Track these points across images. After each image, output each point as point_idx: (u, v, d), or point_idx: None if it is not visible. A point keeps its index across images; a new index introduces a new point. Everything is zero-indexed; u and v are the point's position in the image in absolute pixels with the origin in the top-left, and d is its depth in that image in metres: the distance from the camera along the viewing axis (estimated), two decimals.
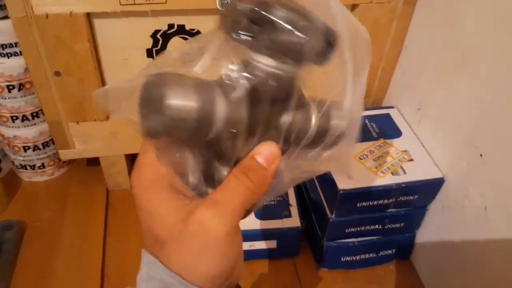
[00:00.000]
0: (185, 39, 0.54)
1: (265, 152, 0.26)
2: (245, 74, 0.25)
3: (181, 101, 0.23)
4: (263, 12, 0.24)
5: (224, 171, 0.28)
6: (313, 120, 0.28)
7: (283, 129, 0.27)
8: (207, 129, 0.25)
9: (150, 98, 0.23)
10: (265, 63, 0.25)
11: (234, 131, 0.25)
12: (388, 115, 0.62)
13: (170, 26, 0.53)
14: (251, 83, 0.25)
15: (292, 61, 0.26)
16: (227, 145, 0.26)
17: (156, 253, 0.26)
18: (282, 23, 0.24)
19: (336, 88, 0.29)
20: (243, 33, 0.25)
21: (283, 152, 0.28)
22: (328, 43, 0.26)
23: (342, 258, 0.59)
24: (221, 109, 0.24)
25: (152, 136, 0.25)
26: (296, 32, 0.25)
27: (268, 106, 0.26)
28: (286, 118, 0.27)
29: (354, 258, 0.59)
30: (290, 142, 0.28)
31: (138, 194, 0.27)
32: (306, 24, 0.25)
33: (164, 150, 0.27)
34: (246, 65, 0.25)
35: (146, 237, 0.27)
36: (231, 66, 0.26)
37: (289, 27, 0.24)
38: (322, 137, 0.29)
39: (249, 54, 0.26)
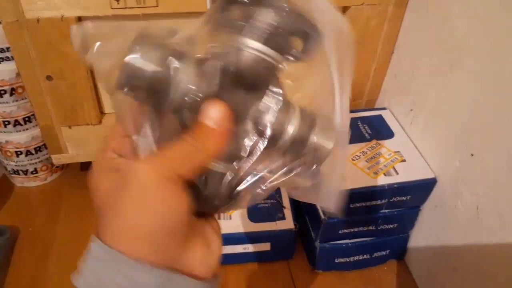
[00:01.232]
0: None
1: (212, 114, 0.25)
2: (225, 51, 0.25)
3: (141, 60, 0.23)
4: None
5: None
6: (294, 122, 0.27)
7: (257, 119, 0.27)
8: (164, 94, 0.24)
9: (124, 50, 0.24)
10: (249, 45, 0.26)
11: (198, 100, 0.25)
12: (380, 116, 0.62)
13: None
14: (228, 60, 0.25)
15: (276, 50, 0.26)
16: (189, 118, 0.26)
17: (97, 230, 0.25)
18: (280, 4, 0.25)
19: (321, 93, 0.29)
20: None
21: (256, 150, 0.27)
22: (310, 36, 0.27)
23: (336, 259, 0.59)
24: (184, 78, 0.24)
25: (117, 87, 0.24)
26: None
27: (242, 88, 0.26)
28: (261, 107, 0.27)
29: (348, 260, 0.59)
30: (265, 138, 0.27)
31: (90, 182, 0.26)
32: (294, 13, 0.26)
33: (128, 108, 0.27)
34: (230, 45, 0.26)
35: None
36: (213, 44, 0.26)
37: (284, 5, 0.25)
38: (299, 148, 0.28)
39: (236, 36, 0.26)
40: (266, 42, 0.26)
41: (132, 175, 0.23)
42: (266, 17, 0.25)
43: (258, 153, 0.27)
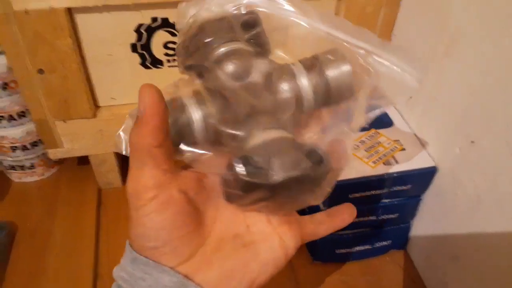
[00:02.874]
0: (170, 32, 0.53)
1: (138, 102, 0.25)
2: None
3: None
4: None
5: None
6: (302, 77, 0.27)
7: (273, 105, 0.27)
8: (190, 136, 0.27)
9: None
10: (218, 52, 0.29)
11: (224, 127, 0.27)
12: None
13: (154, 19, 0.52)
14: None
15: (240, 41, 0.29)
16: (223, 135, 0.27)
17: None
18: None
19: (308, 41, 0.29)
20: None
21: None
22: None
23: (336, 250, 0.58)
24: (196, 116, 0.27)
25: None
26: None
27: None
28: (269, 95, 0.27)
29: (349, 251, 0.58)
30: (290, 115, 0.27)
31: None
32: None
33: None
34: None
35: None
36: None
37: None
38: (328, 91, 0.27)
39: None
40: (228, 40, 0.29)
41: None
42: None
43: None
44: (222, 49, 0.28)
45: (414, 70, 0.28)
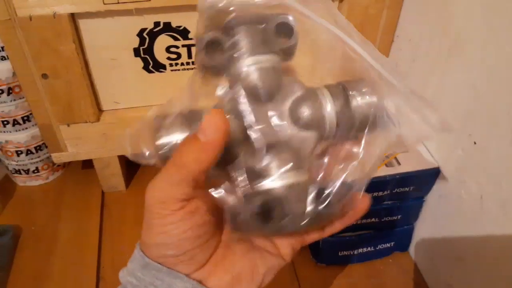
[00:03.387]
0: (172, 37, 0.54)
1: (204, 125, 0.25)
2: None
3: (167, 140, 0.26)
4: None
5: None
6: (327, 99, 0.26)
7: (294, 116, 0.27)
8: None
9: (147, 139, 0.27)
10: (249, 63, 0.26)
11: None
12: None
13: (156, 24, 0.52)
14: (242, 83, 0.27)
15: (271, 53, 0.27)
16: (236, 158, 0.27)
17: None
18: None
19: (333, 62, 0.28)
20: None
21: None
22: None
23: (339, 252, 0.58)
24: None
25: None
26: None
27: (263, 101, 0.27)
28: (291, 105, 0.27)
29: (352, 253, 0.58)
30: (311, 129, 0.27)
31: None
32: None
33: None
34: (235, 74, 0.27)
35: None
36: (219, 87, 0.28)
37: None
38: (351, 121, 0.26)
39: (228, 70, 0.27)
40: (259, 52, 0.27)
41: (145, 199, 0.27)
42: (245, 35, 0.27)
43: (316, 146, 0.27)
44: (251, 64, 0.27)
45: (434, 120, 0.27)
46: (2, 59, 0.55)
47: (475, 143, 0.45)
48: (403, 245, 0.60)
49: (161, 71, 0.57)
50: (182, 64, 0.57)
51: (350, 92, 0.27)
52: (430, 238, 0.56)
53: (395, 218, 0.56)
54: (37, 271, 0.57)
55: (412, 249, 0.60)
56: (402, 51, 0.59)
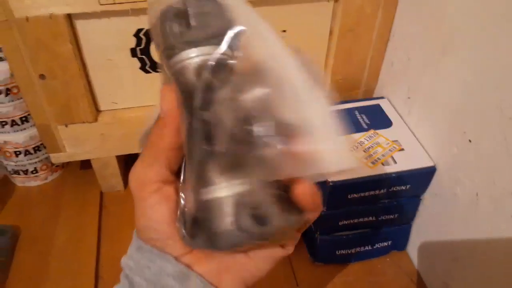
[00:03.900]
0: None
1: (160, 103, 0.27)
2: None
3: None
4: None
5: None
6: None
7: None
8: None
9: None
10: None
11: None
12: (378, 105, 0.61)
13: None
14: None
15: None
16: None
17: None
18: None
19: None
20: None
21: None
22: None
23: (337, 251, 0.58)
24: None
25: None
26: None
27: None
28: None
29: (349, 252, 0.59)
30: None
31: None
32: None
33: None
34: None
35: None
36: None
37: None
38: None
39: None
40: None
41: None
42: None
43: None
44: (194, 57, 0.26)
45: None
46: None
47: (470, 141, 0.45)
48: (400, 244, 0.60)
49: (158, 71, 0.57)
50: None
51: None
52: (427, 237, 0.56)
53: (391, 216, 0.56)
54: (36, 271, 0.57)
55: (409, 247, 0.60)
56: (398, 50, 0.59)
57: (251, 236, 0.25)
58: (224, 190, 0.25)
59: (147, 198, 0.27)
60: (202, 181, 0.26)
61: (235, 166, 0.25)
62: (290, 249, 0.30)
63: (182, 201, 0.27)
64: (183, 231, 0.27)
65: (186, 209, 0.27)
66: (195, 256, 0.28)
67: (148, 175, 0.27)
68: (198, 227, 0.26)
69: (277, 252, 0.29)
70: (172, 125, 0.27)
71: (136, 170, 0.28)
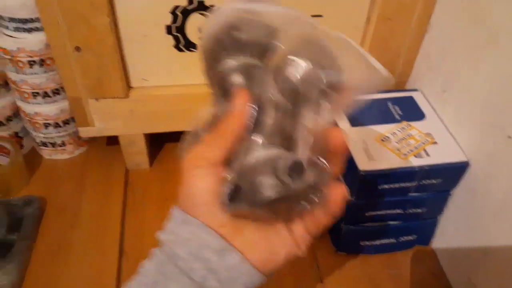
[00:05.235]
0: (204, 15, 0.54)
1: (235, 100, 0.31)
2: None
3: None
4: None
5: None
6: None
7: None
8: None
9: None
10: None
11: None
12: (411, 97, 0.60)
13: (190, 1, 0.52)
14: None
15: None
16: None
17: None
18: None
19: None
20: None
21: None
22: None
23: (361, 242, 0.58)
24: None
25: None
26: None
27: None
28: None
29: (373, 243, 0.58)
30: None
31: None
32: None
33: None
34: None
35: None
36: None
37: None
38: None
39: None
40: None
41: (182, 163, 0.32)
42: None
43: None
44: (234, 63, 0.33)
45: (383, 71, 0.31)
46: (36, 30, 0.56)
47: (509, 137, 0.44)
48: (425, 238, 0.60)
49: (192, 50, 0.57)
50: None
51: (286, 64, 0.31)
52: (454, 233, 0.55)
53: (419, 210, 0.55)
54: (61, 241, 0.58)
55: (434, 243, 0.60)
56: (436, 41, 0.58)
57: (287, 188, 0.29)
58: (263, 153, 0.30)
59: (196, 170, 0.30)
60: (246, 150, 0.31)
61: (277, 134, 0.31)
62: (304, 252, 0.34)
63: (227, 175, 0.31)
64: (225, 195, 0.30)
65: (229, 177, 0.30)
66: (230, 230, 0.31)
67: (204, 152, 0.31)
68: (239, 191, 0.30)
69: (293, 247, 0.33)
70: (242, 120, 0.31)
71: (193, 149, 0.32)
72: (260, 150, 0.31)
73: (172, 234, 0.31)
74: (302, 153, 0.30)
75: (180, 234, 0.30)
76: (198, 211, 0.30)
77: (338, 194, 0.31)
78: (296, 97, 0.31)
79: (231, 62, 0.32)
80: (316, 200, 0.31)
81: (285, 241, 0.33)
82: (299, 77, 0.30)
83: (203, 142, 0.32)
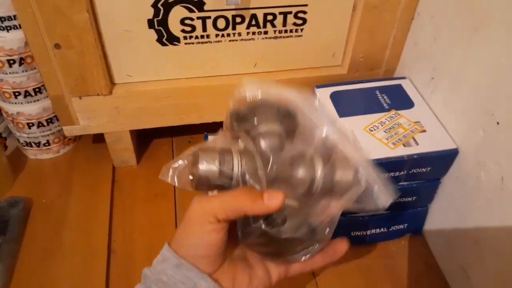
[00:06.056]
0: (187, 8, 0.52)
1: (271, 194, 0.33)
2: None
3: (206, 166, 0.34)
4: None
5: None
6: (319, 171, 0.35)
7: (292, 180, 0.35)
8: (229, 182, 0.34)
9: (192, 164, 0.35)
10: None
11: (251, 182, 0.34)
12: (399, 86, 0.59)
13: None
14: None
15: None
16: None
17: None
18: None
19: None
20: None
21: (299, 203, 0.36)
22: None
23: (352, 233, 0.57)
24: (236, 168, 0.34)
25: (198, 187, 0.35)
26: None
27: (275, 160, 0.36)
28: (291, 171, 0.35)
29: (364, 233, 0.58)
30: (302, 193, 0.35)
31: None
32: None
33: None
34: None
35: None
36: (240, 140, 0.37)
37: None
38: (331, 187, 0.35)
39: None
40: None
41: (189, 209, 0.34)
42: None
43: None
44: (265, 128, 0.37)
45: (387, 193, 0.39)
46: (14, 28, 0.54)
47: (498, 123, 0.44)
48: (416, 227, 0.59)
49: (175, 44, 0.56)
50: (196, 37, 0.55)
51: (337, 163, 0.36)
52: (445, 221, 0.55)
53: (409, 199, 0.55)
54: (48, 242, 0.57)
55: (425, 231, 0.60)
56: (423, 29, 0.57)
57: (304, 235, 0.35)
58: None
59: (205, 225, 0.33)
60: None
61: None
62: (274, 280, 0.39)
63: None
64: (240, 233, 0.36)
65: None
66: (219, 274, 0.34)
67: (215, 211, 0.33)
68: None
69: (267, 284, 0.38)
70: (263, 212, 0.33)
71: (204, 199, 0.34)
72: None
73: (164, 274, 0.33)
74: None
75: (173, 276, 0.33)
76: (195, 260, 0.33)
77: (342, 248, 0.41)
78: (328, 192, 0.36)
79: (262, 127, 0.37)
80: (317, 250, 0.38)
81: (263, 282, 0.38)
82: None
83: (221, 198, 0.33)
